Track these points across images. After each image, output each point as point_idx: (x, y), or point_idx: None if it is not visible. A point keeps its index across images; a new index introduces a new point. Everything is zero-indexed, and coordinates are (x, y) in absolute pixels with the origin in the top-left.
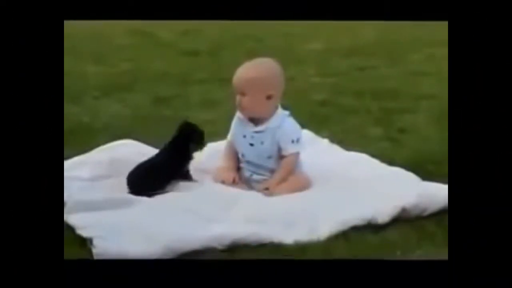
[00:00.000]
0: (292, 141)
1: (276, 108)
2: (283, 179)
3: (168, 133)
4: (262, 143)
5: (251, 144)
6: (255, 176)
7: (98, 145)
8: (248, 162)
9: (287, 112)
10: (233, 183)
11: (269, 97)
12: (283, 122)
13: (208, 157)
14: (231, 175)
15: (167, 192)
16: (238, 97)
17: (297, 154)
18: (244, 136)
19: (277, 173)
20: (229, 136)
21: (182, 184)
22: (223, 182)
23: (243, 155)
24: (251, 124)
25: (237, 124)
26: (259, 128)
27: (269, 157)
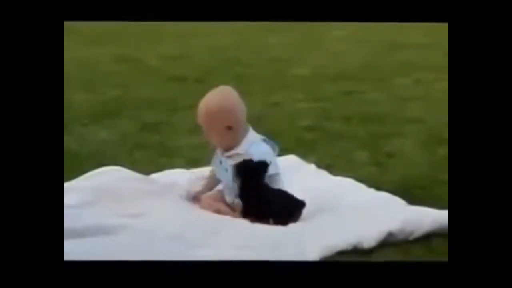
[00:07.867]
0: None
1: (246, 132)
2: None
3: (155, 160)
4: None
5: (226, 170)
6: (237, 200)
7: (85, 172)
8: (227, 187)
9: (259, 137)
10: (219, 212)
11: (229, 128)
12: (250, 147)
13: (192, 183)
14: (214, 205)
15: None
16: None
17: None
18: (221, 162)
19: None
20: (211, 164)
21: (168, 210)
22: (216, 211)
23: (222, 181)
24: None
25: (217, 151)
26: (228, 153)
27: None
